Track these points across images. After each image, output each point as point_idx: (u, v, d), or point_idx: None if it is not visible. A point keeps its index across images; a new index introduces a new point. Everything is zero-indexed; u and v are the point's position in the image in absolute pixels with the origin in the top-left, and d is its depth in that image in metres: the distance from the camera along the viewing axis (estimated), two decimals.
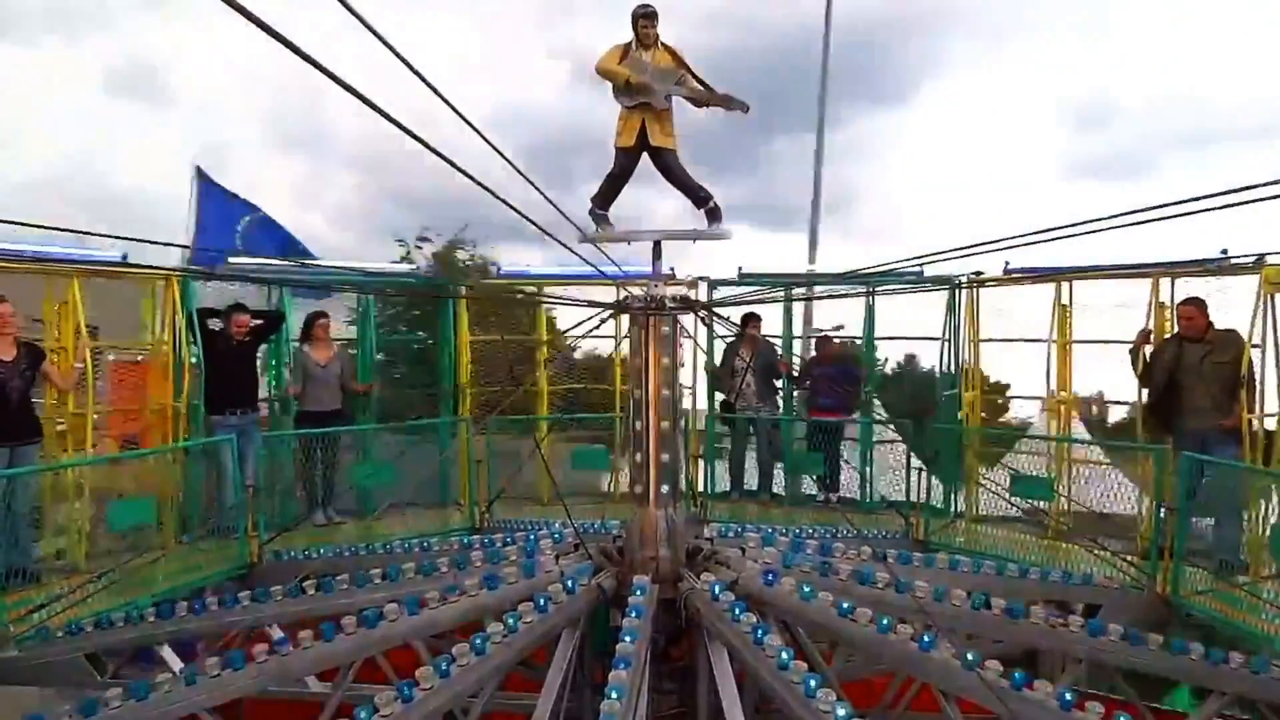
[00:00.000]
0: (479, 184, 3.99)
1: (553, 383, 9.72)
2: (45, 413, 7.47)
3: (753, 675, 5.13)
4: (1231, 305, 7.24)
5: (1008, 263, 8.53)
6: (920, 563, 6.68)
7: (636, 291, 6.29)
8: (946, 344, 9.29)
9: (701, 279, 9.62)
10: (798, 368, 10.06)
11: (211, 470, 7.96)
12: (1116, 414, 10.06)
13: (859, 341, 10.13)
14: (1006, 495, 7.83)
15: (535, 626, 5.35)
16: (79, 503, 7.23)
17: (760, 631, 5.13)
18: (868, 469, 9.45)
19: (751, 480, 9.81)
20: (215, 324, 8.46)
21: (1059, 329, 8.24)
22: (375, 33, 2.67)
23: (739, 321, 9.38)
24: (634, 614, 5.32)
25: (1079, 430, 8.88)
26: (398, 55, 2.87)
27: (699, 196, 6.56)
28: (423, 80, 3.16)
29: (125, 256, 8.05)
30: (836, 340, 10.57)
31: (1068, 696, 4.70)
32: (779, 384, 10.06)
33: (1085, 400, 9.07)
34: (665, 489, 6.27)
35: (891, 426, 9.98)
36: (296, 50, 2.30)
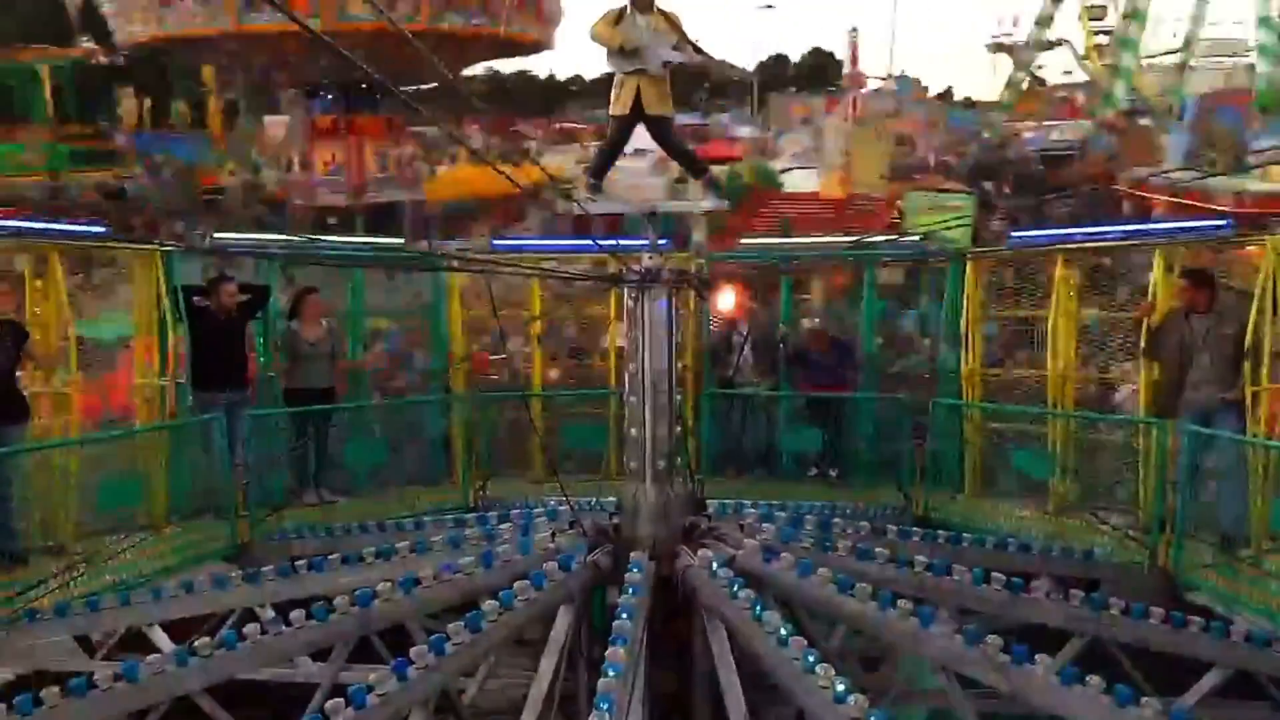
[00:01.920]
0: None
1: None
2: (28, 390, 7.33)
3: (751, 652, 5.09)
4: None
5: (1009, 234, 8.43)
6: (920, 538, 6.63)
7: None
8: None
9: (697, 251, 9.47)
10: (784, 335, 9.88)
11: (200, 449, 7.85)
12: None
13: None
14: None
15: (531, 604, 5.32)
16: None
17: (758, 608, 5.09)
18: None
19: (749, 456, 9.71)
20: (202, 300, 8.30)
21: (1060, 301, 8.13)
22: None
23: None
24: (631, 591, 5.29)
25: None
26: None
27: (696, 166, 6.44)
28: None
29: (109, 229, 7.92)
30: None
31: (1069, 671, 4.69)
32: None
33: None
34: (662, 465, 6.20)
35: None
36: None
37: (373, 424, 9.16)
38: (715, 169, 17.01)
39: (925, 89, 47.04)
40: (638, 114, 6.27)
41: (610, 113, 6.35)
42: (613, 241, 6.82)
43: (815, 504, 7.99)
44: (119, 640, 6.76)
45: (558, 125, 33.88)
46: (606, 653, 4.60)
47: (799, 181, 26.73)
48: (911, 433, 8.57)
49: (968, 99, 50.88)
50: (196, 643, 5.15)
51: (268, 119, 23.83)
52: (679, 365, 7.03)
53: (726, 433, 9.62)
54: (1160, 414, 7.27)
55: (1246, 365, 6.90)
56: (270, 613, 6.23)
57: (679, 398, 6.60)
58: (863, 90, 37.96)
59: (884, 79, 43.67)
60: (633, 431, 6.31)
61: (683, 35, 6.23)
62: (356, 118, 22.49)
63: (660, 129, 6.38)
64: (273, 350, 8.94)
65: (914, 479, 8.36)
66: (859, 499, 8.41)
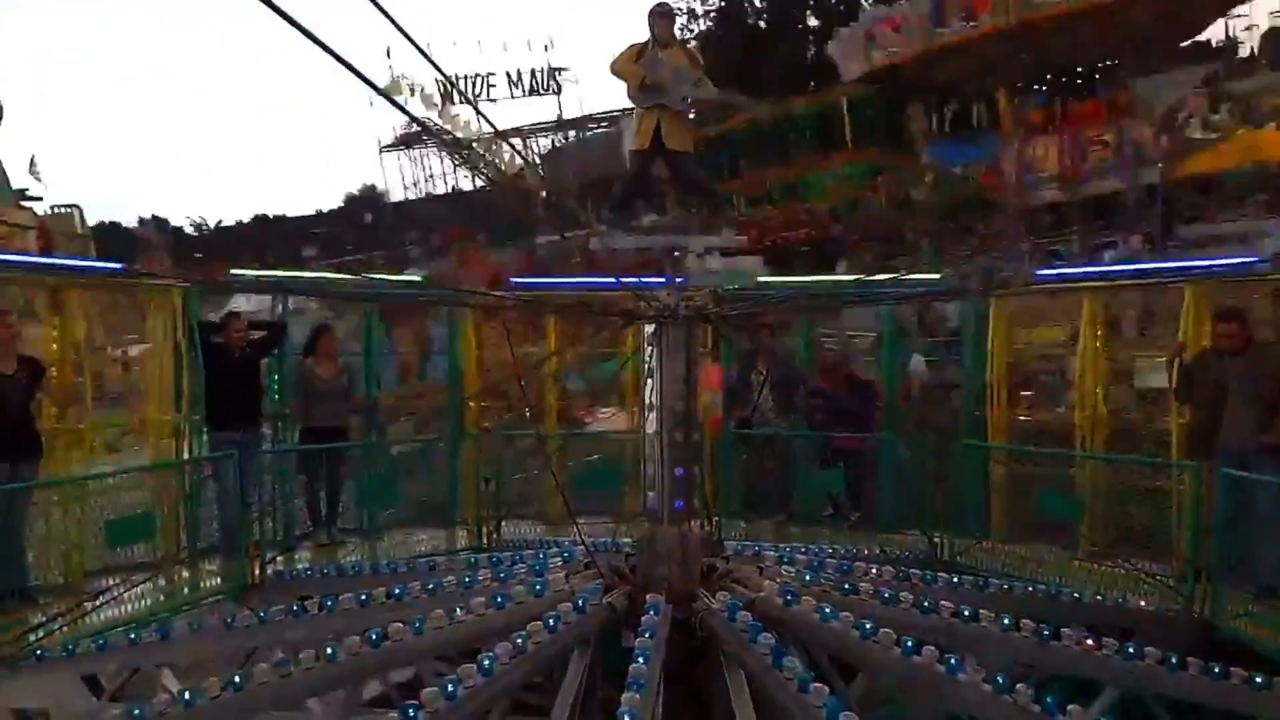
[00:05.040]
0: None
1: None
2: (43, 425, 7.30)
3: (771, 699, 4.91)
4: None
5: (1034, 270, 8.33)
6: (945, 583, 6.44)
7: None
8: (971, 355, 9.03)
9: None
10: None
11: (213, 487, 7.79)
12: None
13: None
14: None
15: (544, 647, 5.17)
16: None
17: (779, 653, 4.92)
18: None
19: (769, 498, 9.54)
20: (217, 338, 8.30)
21: (1088, 340, 7.99)
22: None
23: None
24: (647, 634, 5.14)
25: None
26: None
27: (715, 202, 6.40)
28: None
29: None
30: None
31: None
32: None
33: None
34: (679, 505, 6.07)
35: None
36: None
37: (386, 463, 9.08)
38: None
39: None
40: (657, 148, 6.25)
41: (630, 147, 6.34)
42: (634, 279, 6.72)
43: (836, 547, 7.81)
44: (126, 680, 6.64)
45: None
46: (622, 697, 4.45)
47: None
48: (935, 475, 8.36)
49: None
50: (204, 684, 5.04)
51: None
52: (697, 404, 6.92)
53: (746, 474, 9.48)
54: (1194, 457, 7.08)
55: None
56: (279, 653, 6.12)
57: (697, 437, 6.48)
58: None
59: None
60: (650, 470, 6.19)
61: (702, 70, 6.23)
62: (1071, 107, 21.64)
63: (679, 164, 6.35)
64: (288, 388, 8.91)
65: (937, 523, 8.16)
66: (881, 543, 8.22)
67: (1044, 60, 22.81)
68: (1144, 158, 19.22)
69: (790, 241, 22.18)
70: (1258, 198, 16.90)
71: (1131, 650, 5.35)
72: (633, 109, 6.21)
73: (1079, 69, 23.40)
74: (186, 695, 4.92)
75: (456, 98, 34.99)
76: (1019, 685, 4.65)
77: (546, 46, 31.99)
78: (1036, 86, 23.19)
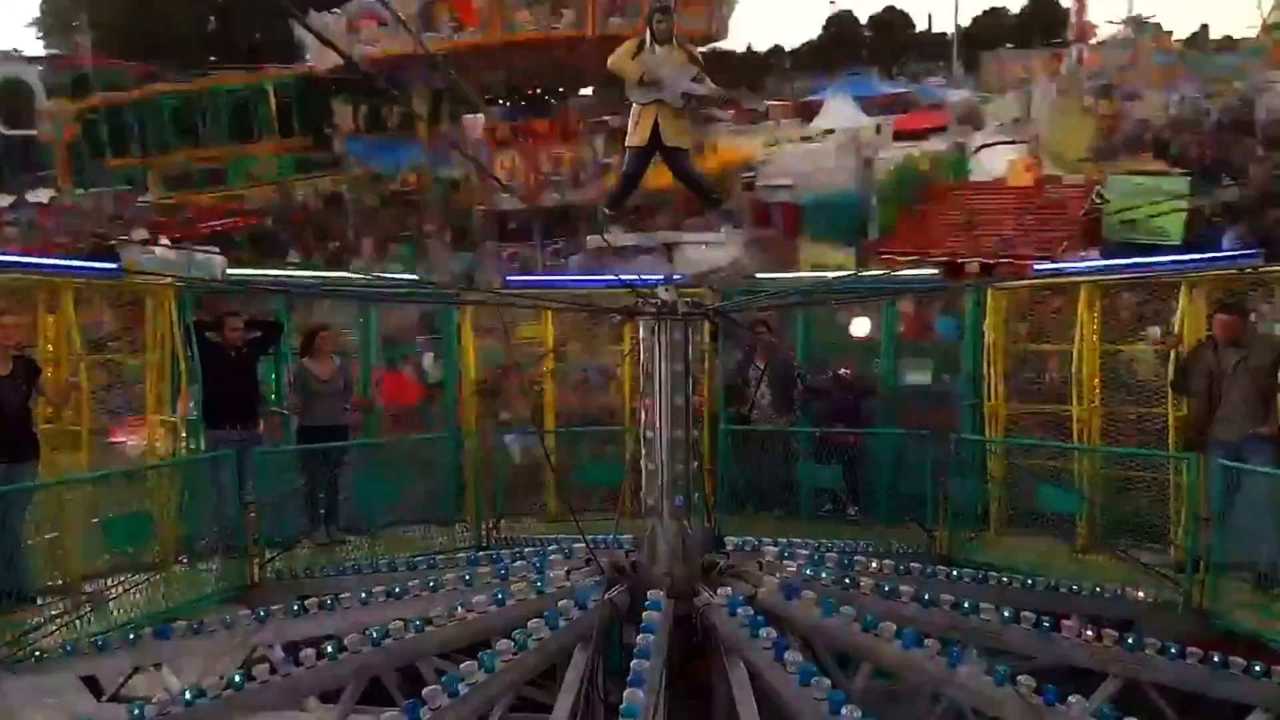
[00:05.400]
0: None
1: None
2: (38, 424, 7.28)
3: (773, 693, 4.92)
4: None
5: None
6: (946, 577, 6.46)
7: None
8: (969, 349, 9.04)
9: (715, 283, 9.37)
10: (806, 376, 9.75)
11: (211, 487, 7.76)
12: None
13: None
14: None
15: (546, 644, 5.18)
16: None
17: (780, 647, 4.93)
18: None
19: (768, 494, 9.54)
20: (214, 336, 8.28)
21: (1085, 332, 8.01)
22: None
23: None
24: (648, 630, 5.14)
25: None
26: None
27: (712, 198, 6.39)
28: None
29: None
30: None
31: (1106, 713, 4.51)
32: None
33: None
34: (679, 501, 6.07)
35: None
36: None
37: (384, 461, 9.06)
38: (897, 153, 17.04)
39: (1169, 33, 31.98)
40: (655, 145, 6.23)
41: (627, 143, 6.32)
42: (634, 276, 6.70)
43: (836, 542, 7.83)
44: (126, 681, 6.63)
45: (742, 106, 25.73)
46: (624, 694, 4.46)
47: (995, 163, 19.37)
48: (934, 470, 8.36)
49: (1227, 38, 33.72)
50: (205, 683, 5.03)
51: (467, 118, 23.76)
52: (695, 400, 6.91)
53: (745, 469, 9.47)
54: (1190, 448, 7.11)
55: (1279, 399, 6.76)
56: (280, 652, 6.11)
57: (696, 433, 6.47)
58: (1090, 42, 30.49)
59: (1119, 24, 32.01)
60: (649, 467, 6.18)
61: (702, 68, 6.22)
62: (530, 124, 23.14)
63: (677, 160, 6.34)
64: (286, 387, 8.89)
65: (937, 516, 8.17)
66: (880, 537, 8.22)
67: (513, 79, 24.67)
68: (583, 176, 21.81)
69: (227, 230, 21.59)
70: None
71: (1131, 640, 5.39)
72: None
73: (541, 91, 25.77)
74: (187, 695, 4.92)
75: None
76: (1020, 677, 4.67)
77: None
78: (504, 102, 25.23)
